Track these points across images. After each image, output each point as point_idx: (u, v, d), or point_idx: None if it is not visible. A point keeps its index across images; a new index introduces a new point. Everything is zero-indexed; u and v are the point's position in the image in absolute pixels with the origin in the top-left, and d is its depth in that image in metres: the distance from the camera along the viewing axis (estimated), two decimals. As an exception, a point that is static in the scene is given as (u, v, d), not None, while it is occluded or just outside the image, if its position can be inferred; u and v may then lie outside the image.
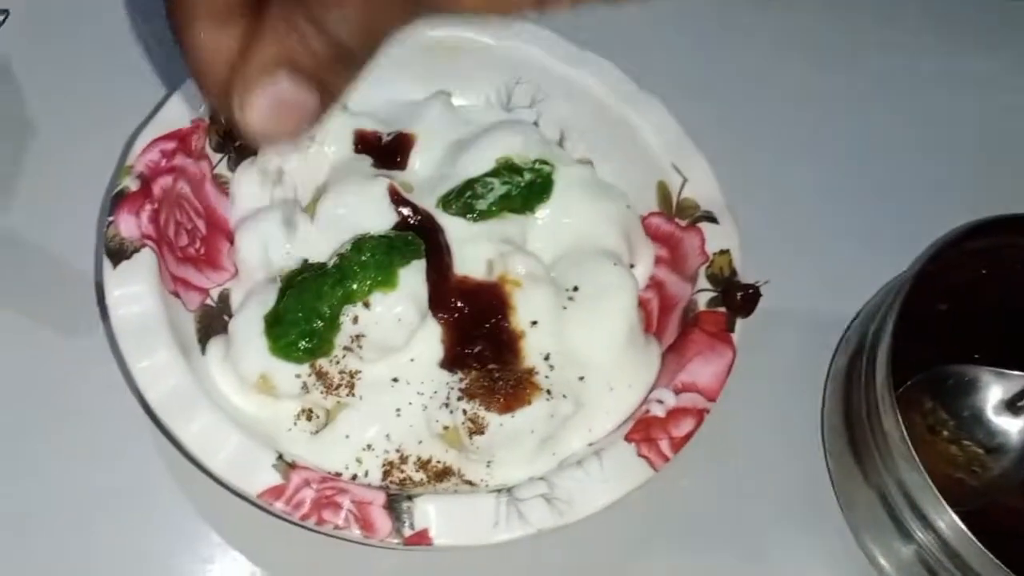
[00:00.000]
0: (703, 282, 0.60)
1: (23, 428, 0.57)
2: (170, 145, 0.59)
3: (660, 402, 0.55)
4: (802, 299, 0.67)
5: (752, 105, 0.76)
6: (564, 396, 0.56)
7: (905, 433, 0.52)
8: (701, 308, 0.59)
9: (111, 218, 0.56)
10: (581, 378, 0.57)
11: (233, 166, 0.63)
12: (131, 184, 0.57)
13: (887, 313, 0.56)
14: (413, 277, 0.56)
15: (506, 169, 0.61)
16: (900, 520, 0.55)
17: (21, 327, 0.60)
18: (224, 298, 0.60)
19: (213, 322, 0.59)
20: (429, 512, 0.50)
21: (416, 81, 0.67)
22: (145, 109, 0.61)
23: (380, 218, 0.58)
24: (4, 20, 0.49)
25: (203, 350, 0.57)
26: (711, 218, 0.62)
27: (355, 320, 0.54)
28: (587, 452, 0.55)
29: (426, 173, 0.63)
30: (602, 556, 0.59)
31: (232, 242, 0.61)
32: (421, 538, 0.50)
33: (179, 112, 0.60)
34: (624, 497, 0.52)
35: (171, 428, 0.51)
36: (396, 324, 0.55)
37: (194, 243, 0.60)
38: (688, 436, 0.54)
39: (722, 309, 0.59)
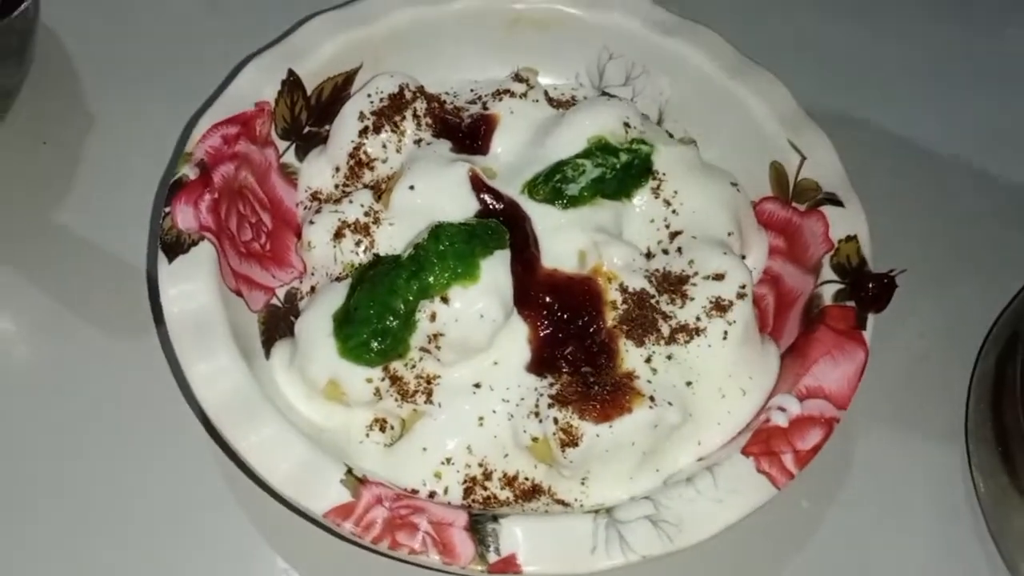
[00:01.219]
0: (828, 273, 0.53)
1: (69, 435, 0.53)
2: (232, 130, 0.54)
3: (782, 410, 0.48)
4: (940, 290, 0.59)
5: (874, 65, 0.68)
6: (669, 403, 0.49)
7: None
8: (827, 302, 0.52)
9: (167, 208, 0.51)
10: (688, 383, 0.51)
11: (301, 154, 0.59)
12: (189, 172, 0.52)
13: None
14: (496, 269, 0.50)
15: (599, 150, 0.55)
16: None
17: (69, 325, 0.56)
18: (291, 298, 0.55)
19: (279, 324, 0.54)
20: (517, 535, 0.44)
21: (499, 58, 0.62)
22: (206, 91, 0.57)
23: (460, 206, 0.53)
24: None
25: (267, 354, 0.52)
26: (835, 200, 0.55)
27: (432, 317, 0.49)
28: (697, 468, 0.48)
29: (510, 157, 0.57)
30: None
31: (300, 237, 0.56)
32: (508, 565, 0.44)
33: (242, 94, 0.55)
34: (742, 520, 0.45)
35: (229, 438, 0.46)
36: (478, 321, 0.49)
37: (259, 238, 0.55)
38: (816, 449, 0.47)
39: (851, 303, 0.51)
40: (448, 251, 0.49)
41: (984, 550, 0.53)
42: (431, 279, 0.49)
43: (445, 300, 0.49)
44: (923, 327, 0.58)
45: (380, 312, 0.49)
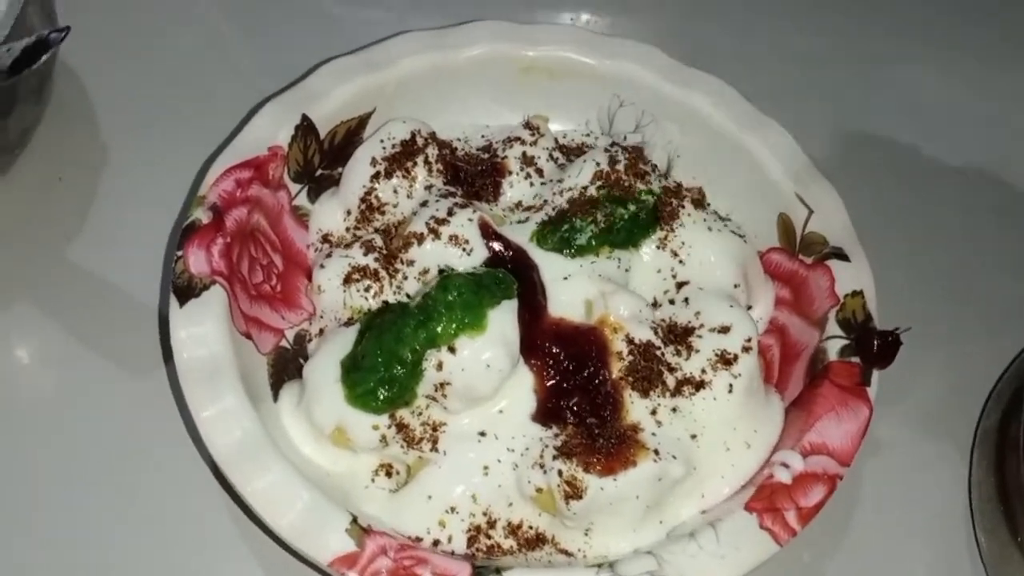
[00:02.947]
0: (833, 327, 0.53)
1: (77, 469, 0.53)
2: (246, 174, 0.55)
3: (786, 466, 0.48)
4: (943, 347, 0.59)
5: (881, 123, 0.68)
6: (674, 457, 0.49)
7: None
8: (832, 358, 0.52)
9: (180, 252, 0.51)
10: (693, 436, 0.51)
11: (313, 196, 0.59)
12: (202, 216, 0.53)
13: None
14: (504, 319, 0.50)
15: (608, 200, 0.55)
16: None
17: (80, 360, 0.56)
18: (300, 340, 0.56)
19: (288, 366, 0.54)
20: (519, 588, 0.44)
21: (511, 104, 0.63)
22: (220, 136, 0.57)
23: (469, 254, 0.53)
24: (64, 37, 0.46)
25: (275, 397, 0.52)
26: (841, 255, 0.55)
27: (439, 366, 0.49)
28: (700, 522, 0.48)
29: (519, 204, 0.58)
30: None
31: (311, 279, 0.56)
32: (511, 619, 0.44)
33: (256, 139, 0.56)
34: (744, 576, 0.45)
35: (236, 484, 0.46)
36: (484, 371, 0.49)
37: (270, 279, 0.55)
38: (819, 506, 0.47)
39: (856, 359, 0.51)
40: (456, 301, 0.49)
41: (986, 607, 0.53)
42: (439, 329, 0.49)
43: (452, 350, 0.49)
44: (926, 382, 0.58)
45: (387, 360, 0.49)
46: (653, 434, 0.50)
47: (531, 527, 0.50)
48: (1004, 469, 0.52)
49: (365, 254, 0.55)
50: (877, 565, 0.54)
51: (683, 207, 0.56)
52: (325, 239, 0.58)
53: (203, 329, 0.50)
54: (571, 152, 0.62)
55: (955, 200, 0.65)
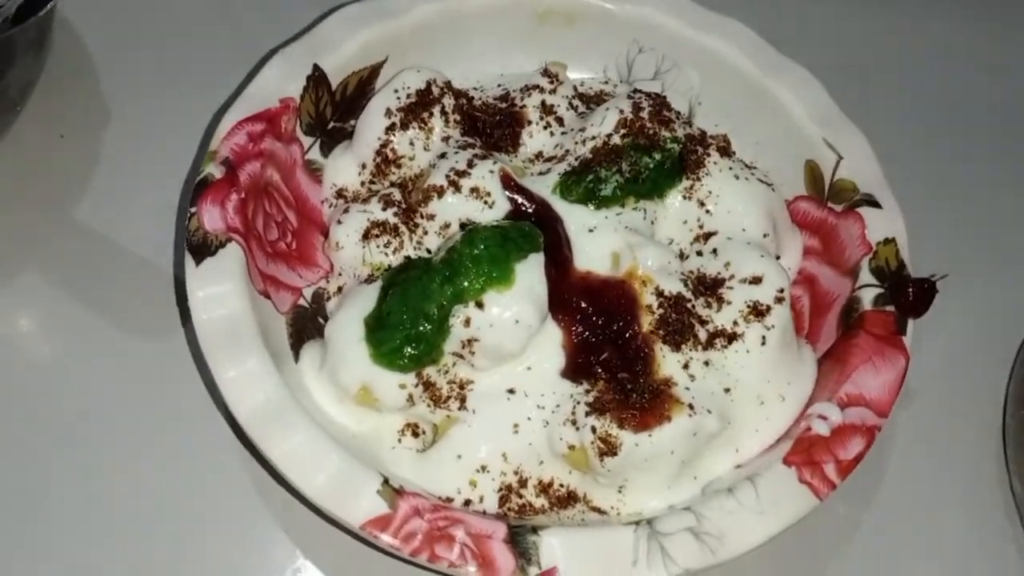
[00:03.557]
0: (866, 276, 0.52)
1: (94, 437, 0.51)
2: (258, 127, 0.53)
3: (823, 418, 0.47)
4: (978, 293, 0.58)
5: (910, 66, 0.66)
6: (708, 411, 0.48)
7: None
8: (866, 307, 0.51)
9: (193, 209, 0.50)
10: (727, 390, 0.50)
11: (326, 151, 0.57)
12: (215, 171, 0.51)
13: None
14: (531, 273, 0.49)
15: (633, 149, 0.54)
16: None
17: (91, 325, 0.55)
18: (318, 298, 0.54)
19: (307, 325, 0.53)
20: (556, 548, 0.43)
21: (528, 52, 0.61)
22: (230, 87, 0.55)
23: (491, 207, 0.52)
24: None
25: (296, 357, 0.51)
26: (872, 202, 0.54)
27: (467, 322, 0.48)
28: (736, 477, 0.47)
29: (540, 155, 0.56)
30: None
31: (326, 235, 0.54)
32: (549, 579, 0.43)
33: (266, 90, 0.54)
34: (783, 531, 0.45)
35: (262, 447, 0.45)
36: (513, 327, 0.48)
37: (285, 237, 0.54)
38: (858, 459, 0.47)
39: (891, 308, 0.50)
40: (483, 255, 0.48)
41: (1021, 556, 0.52)
42: (466, 284, 0.48)
43: (480, 305, 0.48)
44: (958, 329, 0.57)
45: (413, 317, 0.48)
46: (687, 388, 0.49)
47: (562, 485, 0.49)
48: (1040, 417, 0.51)
49: (384, 208, 0.53)
50: (912, 515, 0.53)
51: (709, 155, 0.55)
52: (340, 194, 0.57)
53: (222, 288, 0.48)
54: (590, 100, 0.60)
55: (985, 145, 0.64)
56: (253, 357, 0.47)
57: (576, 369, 0.50)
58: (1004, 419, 0.55)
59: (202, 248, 0.49)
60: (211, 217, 0.50)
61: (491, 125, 0.57)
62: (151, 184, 0.59)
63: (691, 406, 0.48)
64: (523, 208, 0.52)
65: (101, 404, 0.52)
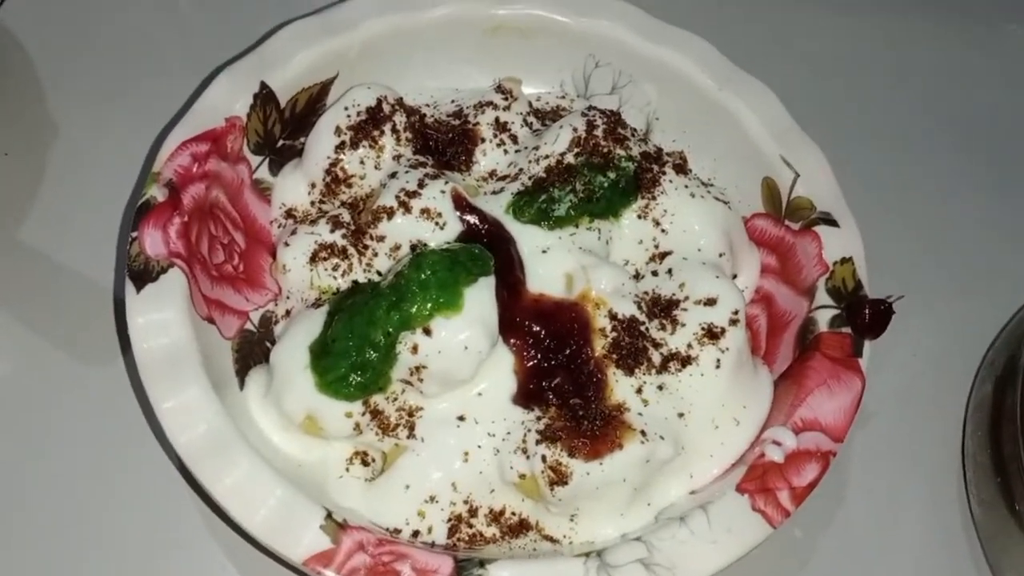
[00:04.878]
0: (823, 296, 0.51)
1: (31, 464, 0.50)
2: (203, 148, 0.51)
3: (777, 444, 0.47)
4: (937, 312, 0.57)
5: (864, 85, 0.66)
6: (661, 437, 0.47)
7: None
8: (822, 328, 0.50)
9: (134, 234, 0.48)
10: (680, 415, 0.49)
11: (275, 169, 0.56)
12: (158, 194, 0.49)
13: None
14: (481, 297, 0.48)
15: (587, 168, 0.53)
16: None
17: (31, 347, 0.53)
18: (266, 322, 0.53)
19: (254, 350, 0.52)
20: (505, 581, 0.42)
21: (481, 66, 0.60)
22: (180, 101, 0.54)
23: (442, 228, 0.50)
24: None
25: (241, 384, 0.50)
26: (829, 220, 0.53)
27: (414, 349, 0.47)
28: (689, 504, 0.47)
29: (493, 173, 0.55)
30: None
31: (274, 256, 0.53)
32: (497, 614, 0.42)
33: (212, 109, 0.53)
34: (736, 562, 0.44)
35: (202, 481, 0.44)
36: (462, 353, 0.47)
37: (231, 259, 0.53)
38: (812, 485, 0.46)
39: (847, 330, 0.50)
40: (430, 280, 0.47)
41: (980, 576, 0.52)
42: (412, 310, 0.47)
43: (427, 331, 0.47)
44: (917, 349, 0.57)
45: (359, 344, 0.46)
46: (639, 414, 0.48)
47: (514, 513, 0.48)
48: (999, 439, 0.50)
49: (332, 230, 0.52)
50: (870, 539, 0.52)
51: (664, 173, 0.54)
52: (289, 214, 0.55)
53: (162, 316, 0.47)
54: (546, 116, 0.59)
55: (944, 165, 0.63)
56: (194, 386, 0.45)
57: (528, 395, 0.49)
58: (963, 440, 0.54)
59: (143, 274, 0.47)
60: (153, 242, 0.48)
61: (443, 143, 0.56)
62: (97, 204, 0.58)
63: (644, 432, 0.47)
64: (475, 228, 0.51)
65: (40, 431, 0.51)
